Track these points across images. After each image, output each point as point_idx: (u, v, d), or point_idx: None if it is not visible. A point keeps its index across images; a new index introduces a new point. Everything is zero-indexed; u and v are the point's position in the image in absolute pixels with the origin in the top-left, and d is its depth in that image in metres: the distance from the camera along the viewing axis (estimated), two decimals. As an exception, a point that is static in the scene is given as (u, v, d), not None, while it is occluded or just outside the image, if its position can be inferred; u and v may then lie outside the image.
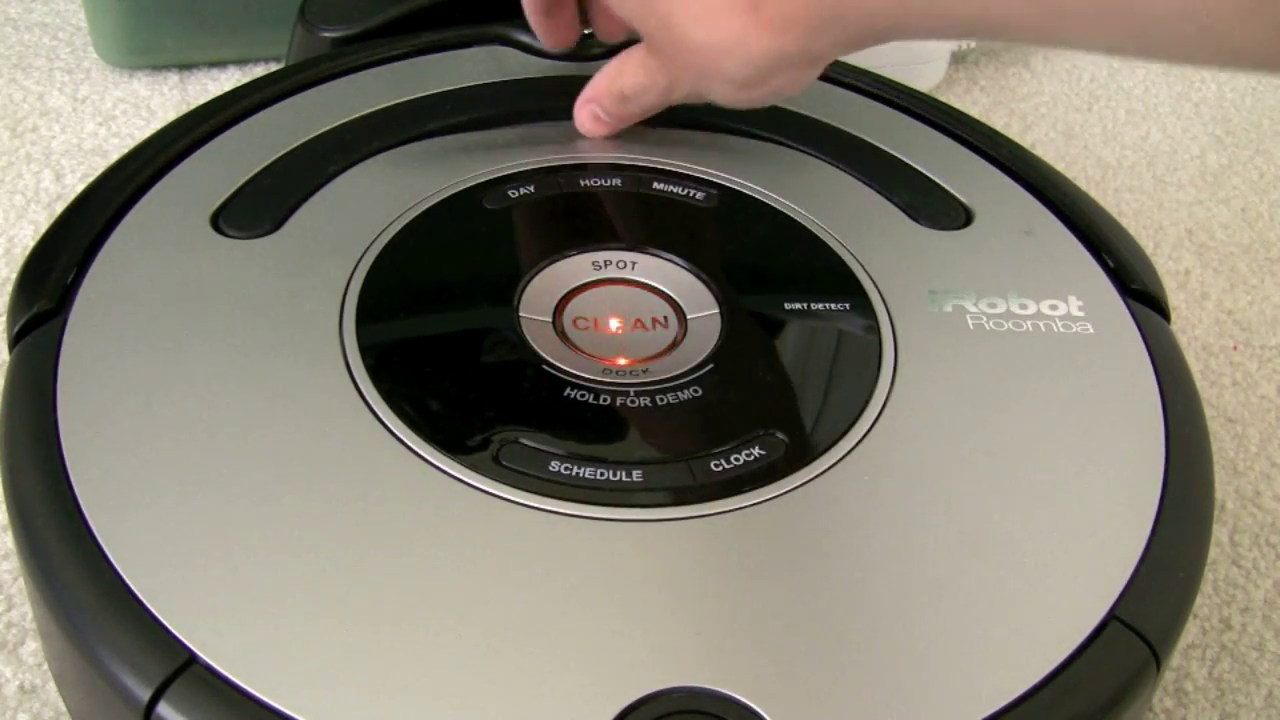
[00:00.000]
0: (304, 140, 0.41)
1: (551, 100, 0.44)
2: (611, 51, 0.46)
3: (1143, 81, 0.68)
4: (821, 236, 0.39)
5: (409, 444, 0.31)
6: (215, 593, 0.28)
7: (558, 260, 0.37)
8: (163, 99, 0.59)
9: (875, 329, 0.36)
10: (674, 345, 0.36)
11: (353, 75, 0.44)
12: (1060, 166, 0.47)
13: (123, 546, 0.28)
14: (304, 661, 0.26)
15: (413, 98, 0.43)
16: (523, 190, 0.40)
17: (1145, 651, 0.29)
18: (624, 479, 0.31)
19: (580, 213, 0.40)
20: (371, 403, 0.32)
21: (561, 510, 0.30)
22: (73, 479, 0.29)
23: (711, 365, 0.35)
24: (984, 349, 0.36)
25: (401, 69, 0.45)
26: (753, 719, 0.26)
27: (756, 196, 0.41)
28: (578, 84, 0.45)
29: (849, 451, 0.32)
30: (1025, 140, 0.61)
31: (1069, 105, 0.66)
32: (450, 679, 0.26)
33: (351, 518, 0.29)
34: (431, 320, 0.36)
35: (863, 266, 0.38)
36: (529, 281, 0.37)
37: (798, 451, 0.32)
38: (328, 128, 0.41)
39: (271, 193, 0.38)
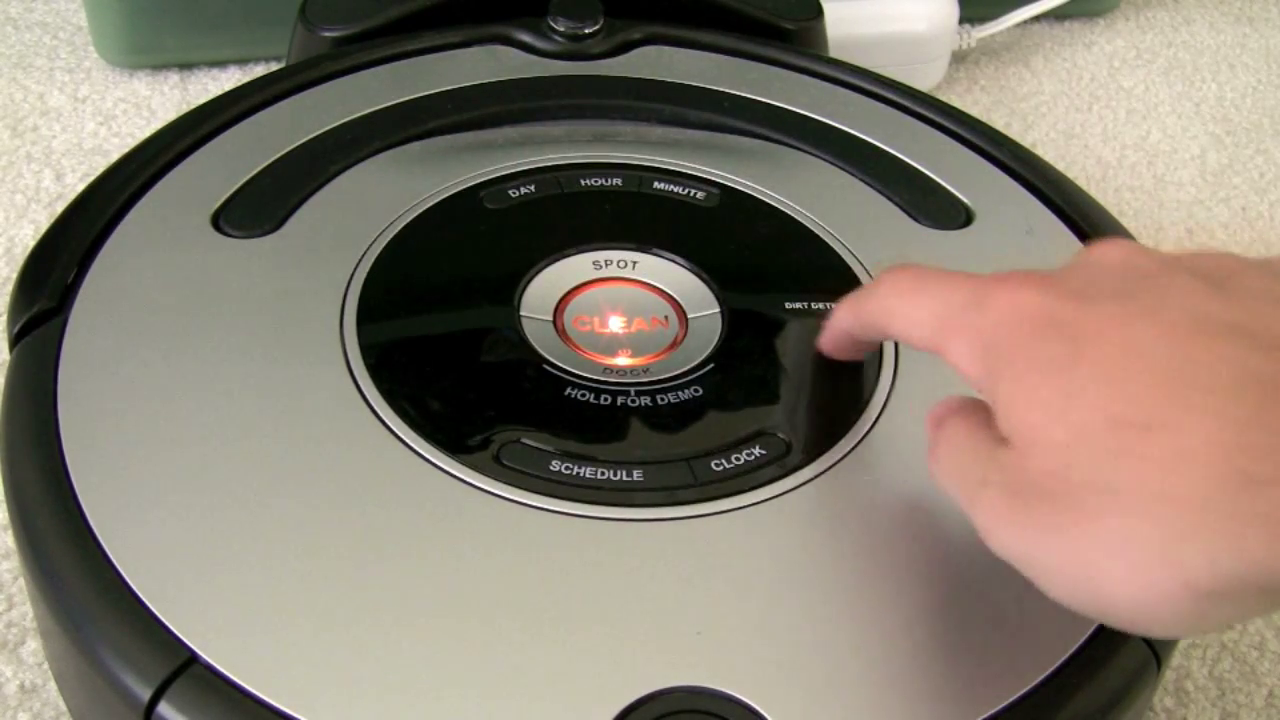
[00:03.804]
0: (304, 140, 0.41)
1: (551, 100, 0.44)
2: (614, 50, 0.46)
3: (1143, 81, 0.68)
4: (822, 236, 0.39)
5: (410, 443, 0.31)
6: (216, 592, 0.28)
7: (558, 260, 0.37)
8: (163, 99, 0.59)
9: (875, 329, 0.36)
10: (674, 345, 0.36)
11: (353, 75, 0.44)
12: (1060, 166, 0.46)
13: (123, 546, 0.28)
14: (304, 661, 0.26)
15: (413, 98, 0.43)
16: (523, 190, 0.40)
17: (1145, 651, 0.29)
18: (624, 479, 0.31)
19: (580, 212, 0.40)
20: (372, 402, 0.32)
21: (562, 510, 0.30)
22: (73, 479, 0.29)
23: (712, 365, 0.35)
24: (984, 349, 0.36)
25: (401, 69, 0.45)
26: (753, 719, 0.26)
27: (757, 196, 0.41)
28: (578, 84, 0.45)
29: (849, 451, 0.32)
30: (1025, 140, 0.61)
31: (1069, 105, 0.66)
32: (450, 679, 0.26)
33: (352, 517, 0.29)
34: (432, 320, 0.36)
35: (863, 266, 0.38)
36: (529, 281, 0.37)
37: (798, 451, 0.32)
38: (328, 128, 0.41)
39: (272, 192, 0.38)
